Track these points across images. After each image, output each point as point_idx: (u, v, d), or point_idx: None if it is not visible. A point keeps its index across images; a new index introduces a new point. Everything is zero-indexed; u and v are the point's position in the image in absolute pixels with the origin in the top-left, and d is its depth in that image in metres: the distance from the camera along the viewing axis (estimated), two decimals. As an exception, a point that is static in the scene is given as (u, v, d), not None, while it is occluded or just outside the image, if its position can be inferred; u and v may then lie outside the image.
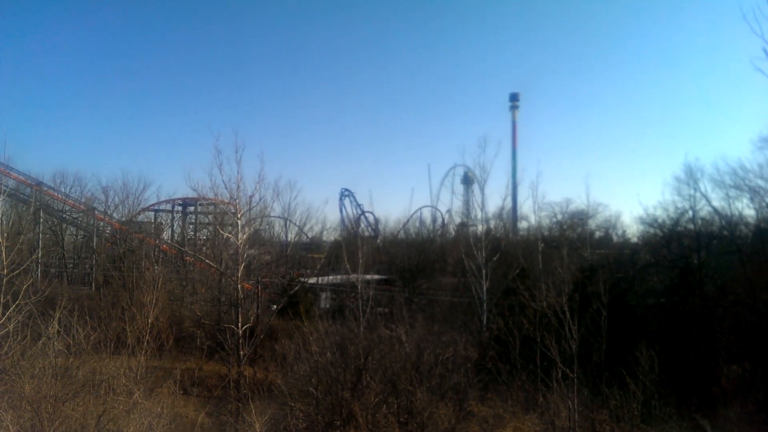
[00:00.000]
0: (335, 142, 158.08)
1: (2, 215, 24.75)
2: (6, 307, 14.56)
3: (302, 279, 37.71)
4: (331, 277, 40.07)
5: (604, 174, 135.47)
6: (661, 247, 30.66)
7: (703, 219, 28.61)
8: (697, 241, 27.09)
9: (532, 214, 41.51)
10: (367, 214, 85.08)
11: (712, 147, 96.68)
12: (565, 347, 14.68)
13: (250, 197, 22.61)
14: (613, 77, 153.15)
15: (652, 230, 33.76)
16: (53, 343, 14.47)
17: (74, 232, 46.70)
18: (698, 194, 27.77)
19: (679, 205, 29.02)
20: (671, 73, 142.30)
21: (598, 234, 50.09)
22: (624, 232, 53.01)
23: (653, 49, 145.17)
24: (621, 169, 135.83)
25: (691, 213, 28.13)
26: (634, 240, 44.85)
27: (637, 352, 16.85)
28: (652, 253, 32.22)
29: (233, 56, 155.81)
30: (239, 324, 20.30)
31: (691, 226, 28.21)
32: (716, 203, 28.00)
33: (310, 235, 54.01)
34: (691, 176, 27.95)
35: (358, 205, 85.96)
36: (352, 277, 29.43)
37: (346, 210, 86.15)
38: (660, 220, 31.30)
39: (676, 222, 29.92)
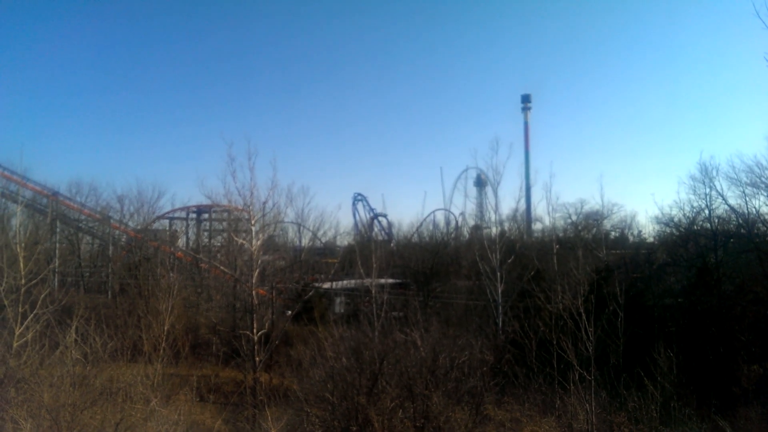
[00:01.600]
0: (347, 147, 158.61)
1: (20, 225, 25.14)
2: (24, 316, 14.76)
3: (316, 284, 37.81)
4: (345, 282, 40.07)
5: (618, 174, 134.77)
6: (678, 247, 30.34)
7: (719, 217, 28.31)
8: (714, 239, 26.78)
9: (546, 216, 41.44)
10: (380, 218, 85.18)
11: (727, 145, 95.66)
12: (581, 349, 14.52)
13: (264, 203, 22.76)
14: (625, 76, 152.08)
15: (668, 230, 33.48)
16: (71, 351, 14.64)
17: (90, 241, 47.24)
18: (714, 193, 27.50)
19: (695, 203, 28.77)
20: (685, 70, 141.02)
21: (613, 234, 49.74)
22: (640, 232, 52.63)
23: (666, 47, 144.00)
24: (636, 169, 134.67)
25: (707, 212, 27.85)
26: (650, 240, 44.49)
27: (655, 353, 16.65)
28: (669, 253, 31.91)
29: (245, 64, 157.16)
30: (254, 330, 20.39)
31: (708, 225, 27.90)
32: (732, 201, 27.72)
33: (323, 240, 54.11)
34: (706, 174, 27.70)
35: (371, 210, 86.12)
36: (366, 281, 29.41)
37: (359, 214, 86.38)
38: (676, 220, 31.05)
39: (692, 221, 29.62)
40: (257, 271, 21.92)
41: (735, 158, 41.40)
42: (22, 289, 15.35)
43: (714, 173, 27.66)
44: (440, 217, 79.52)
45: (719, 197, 27.54)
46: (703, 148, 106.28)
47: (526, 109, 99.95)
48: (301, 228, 48.20)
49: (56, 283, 33.18)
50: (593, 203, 46.68)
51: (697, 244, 28.11)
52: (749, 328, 21.31)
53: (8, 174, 39.57)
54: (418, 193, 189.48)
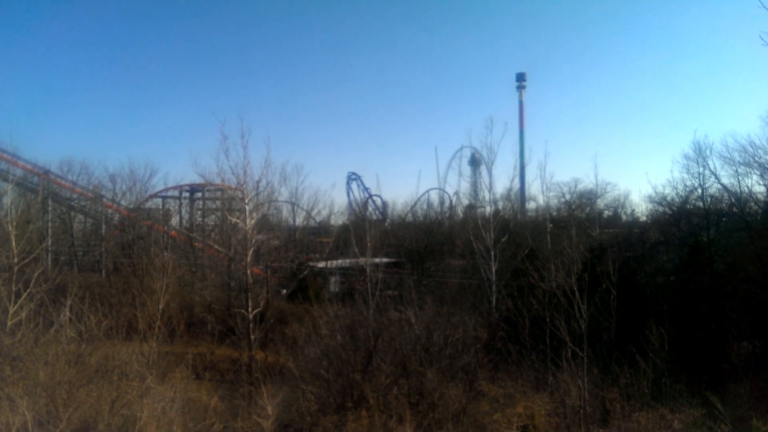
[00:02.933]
0: (342, 126, 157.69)
1: (11, 204, 24.91)
2: (18, 295, 14.74)
3: (311, 263, 37.84)
4: (339, 261, 40.14)
5: (612, 153, 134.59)
6: (671, 226, 30.50)
7: (712, 196, 28.45)
8: (706, 218, 26.91)
9: (540, 195, 41.37)
10: (374, 198, 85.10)
11: (721, 124, 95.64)
12: (574, 327, 14.66)
13: (257, 182, 22.62)
14: (620, 55, 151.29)
15: (661, 209, 33.61)
16: (65, 330, 14.65)
17: (83, 220, 46.96)
18: (707, 172, 27.59)
19: (688, 182, 28.85)
20: (679, 50, 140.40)
21: (606, 213, 50.00)
22: (633, 211, 52.90)
23: (661, 26, 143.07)
24: (629, 148, 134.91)
25: (700, 191, 27.95)
26: (643, 219, 44.72)
27: (647, 331, 16.82)
28: (662, 232, 32.08)
29: (238, 43, 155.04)
30: (249, 308, 20.43)
31: (701, 204, 28.03)
32: (726, 180, 27.84)
33: (317, 219, 54.06)
34: (700, 154, 27.75)
35: (366, 189, 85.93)
36: (361, 260, 29.45)
37: (353, 194, 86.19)
38: (669, 199, 31.14)
39: (685, 200, 29.72)
40: (251, 250, 21.88)
41: (729, 137, 41.23)
42: (15, 268, 15.29)
43: (708, 152, 27.74)
44: (434, 196, 79.50)
45: (712, 176, 27.67)
46: (697, 128, 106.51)
47: (521, 88, 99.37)
48: (296, 207, 48.16)
49: (49, 262, 33.08)
50: (587, 182, 46.77)
51: (689, 222, 28.25)
52: (740, 306, 21.54)
53: (-2, 152, 39.14)
54: (412, 172, 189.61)
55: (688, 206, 29.40)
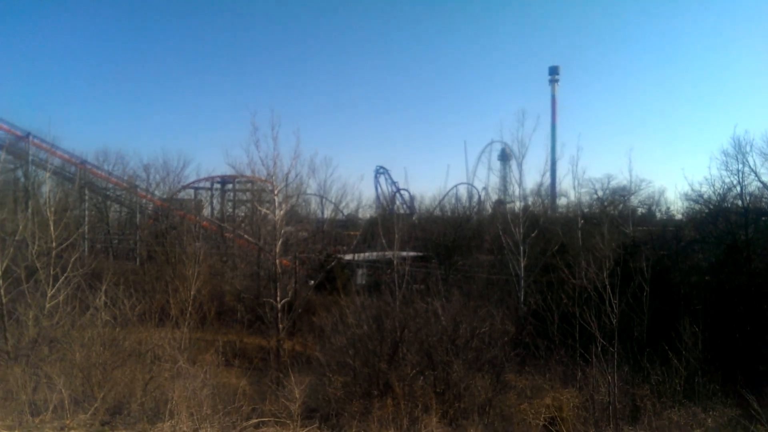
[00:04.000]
0: (371, 119, 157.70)
1: (49, 192, 25.77)
2: (55, 279, 15.19)
3: (339, 255, 38.09)
4: (366, 254, 40.30)
5: (647, 149, 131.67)
6: (707, 224, 29.75)
7: (751, 194, 27.67)
8: (745, 217, 26.16)
9: (571, 191, 40.73)
10: (402, 192, 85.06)
11: (762, 120, 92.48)
12: (605, 322, 14.41)
13: (287, 174, 22.87)
14: (657, 48, 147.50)
15: (697, 206, 32.81)
16: (101, 314, 15.06)
17: (118, 209, 48.23)
18: (747, 169, 26.84)
19: (727, 180, 28.09)
20: (719, 42, 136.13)
21: (640, 211, 48.95)
22: (668, 208, 51.59)
23: (699, 18, 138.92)
24: (665, 144, 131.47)
25: (738, 188, 27.20)
26: (679, 217, 43.65)
27: (681, 329, 16.46)
28: (698, 230, 31.34)
29: (270, 35, 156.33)
30: (278, 298, 20.70)
31: (739, 202, 27.27)
32: (766, 178, 27.03)
33: (345, 212, 54.32)
34: (739, 150, 26.99)
35: (393, 183, 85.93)
36: (388, 253, 29.51)
37: (381, 187, 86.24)
38: (706, 196, 30.37)
39: (723, 198, 28.95)
40: (280, 241, 22.14)
41: (770, 133, 39.98)
42: (53, 253, 15.76)
43: (747, 148, 26.98)
44: (463, 191, 78.96)
45: (752, 173, 26.91)
46: (737, 123, 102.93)
47: (553, 82, 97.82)
48: (324, 199, 48.43)
49: (86, 249, 34.02)
50: (621, 178, 45.66)
51: (727, 221, 27.52)
52: (779, 307, 20.93)
53: (38, 142, 40.38)
54: (440, 166, 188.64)
55: (725, 204, 28.64)
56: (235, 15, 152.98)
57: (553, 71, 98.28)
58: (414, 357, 14.55)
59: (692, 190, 31.94)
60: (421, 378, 13.99)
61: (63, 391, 9.94)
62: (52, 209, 17.23)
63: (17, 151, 39.41)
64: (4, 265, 14.11)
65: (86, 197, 41.95)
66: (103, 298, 15.74)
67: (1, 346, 13.53)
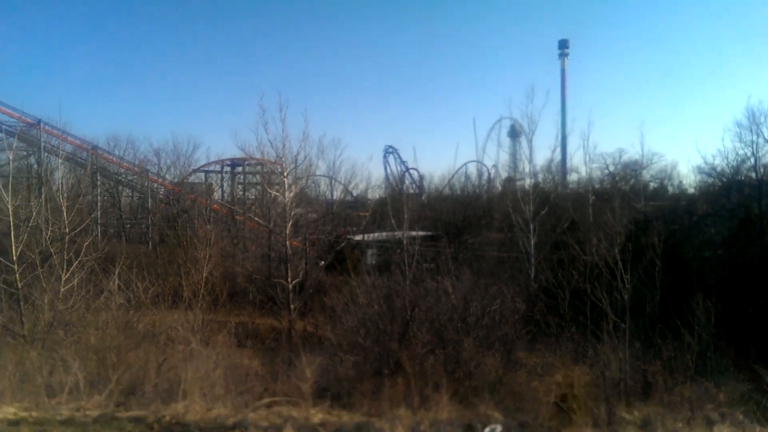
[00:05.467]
0: (379, 98, 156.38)
1: (62, 178, 26.03)
2: (69, 263, 15.39)
3: (348, 236, 38.17)
4: (376, 234, 40.36)
5: (659, 122, 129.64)
6: (720, 197, 29.42)
7: (765, 166, 27.24)
8: (759, 189, 25.80)
9: (582, 166, 40.40)
10: (411, 171, 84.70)
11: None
12: (616, 298, 14.37)
13: (296, 156, 22.89)
14: (668, 19, 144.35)
15: (710, 180, 32.42)
16: (115, 297, 15.29)
17: (130, 194, 48.56)
18: (761, 140, 26.48)
19: (740, 152, 27.73)
20: (732, 11, 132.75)
21: (652, 185, 48.28)
22: (680, 182, 50.87)
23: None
24: (678, 117, 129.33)
25: (753, 160, 26.83)
26: (691, 191, 43.10)
27: (693, 304, 16.35)
28: (710, 204, 30.98)
29: (277, 16, 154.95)
30: (289, 279, 20.85)
31: (753, 174, 26.88)
32: (781, 149, 26.56)
33: (355, 193, 54.28)
34: (753, 121, 26.63)
35: (402, 162, 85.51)
36: (398, 233, 29.54)
37: (390, 167, 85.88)
38: (719, 169, 29.99)
39: (736, 170, 28.57)
40: (290, 222, 22.23)
41: (786, 103, 39.29)
42: (67, 238, 15.94)
43: (762, 119, 26.60)
44: (472, 169, 78.46)
45: (767, 144, 26.44)
46: (751, 93, 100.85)
47: (563, 56, 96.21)
48: (333, 181, 48.38)
49: (99, 234, 34.38)
50: (632, 153, 44.99)
51: (740, 193, 27.20)
52: (793, 280, 20.73)
53: (49, 129, 40.60)
54: (450, 144, 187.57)
55: (739, 177, 28.29)
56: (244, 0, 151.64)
57: (563, 45, 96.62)
58: (424, 336, 14.63)
59: (705, 163, 31.54)
60: (432, 356, 14.08)
61: (78, 373, 10.10)
62: (65, 195, 17.41)
63: (29, 138, 39.68)
64: (19, 251, 14.30)
65: (98, 182, 42.25)
66: (117, 281, 15.95)
67: (18, 330, 13.78)
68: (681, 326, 15.82)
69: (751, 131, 26.51)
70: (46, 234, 15.82)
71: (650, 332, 16.07)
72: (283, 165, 22.47)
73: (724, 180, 29.49)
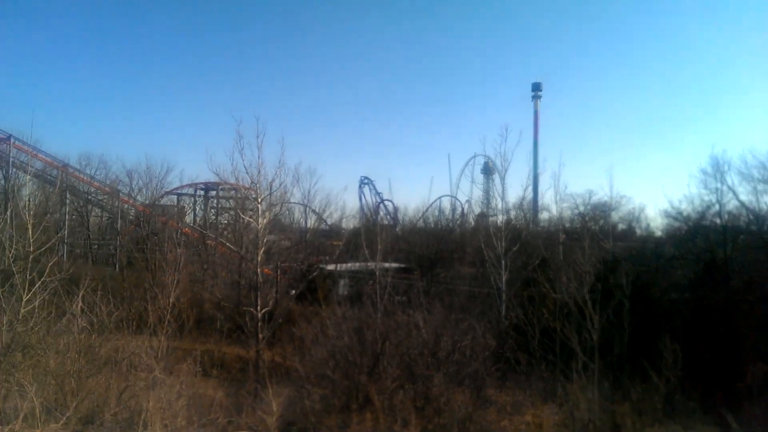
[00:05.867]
0: (355, 130, 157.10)
1: (30, 195, 25.34)
2: (32, 284, 14.86)
3: (321, 265, 37.87)
4: (349, 264, 40.14)
5: (628, 166, 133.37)
6: (686, 241, 30.12)
7: (730, 213, 28.06)
8: (723, 235, 26.53)
9: (553, 205, 40.96)
10: (386, 203, 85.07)
11: (740, 140, 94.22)
12: (586, 338, 14.49)
13: (271, 183, 22.76)
14: (638, 67, 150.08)
15: (677, 223, 33.18)
16: (77, 320, 14.75)
17: (99, 214, 47.53)
18: (725, 188, 27.24)
19: (706, 198, 28.47)
20: (698, 63, 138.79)
21: (621, 227, 49.24)
22: (648, 225, 52.01)
23: (678, 38, 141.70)
24: (646, 162, 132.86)
25: (717, 207, 27.59)
26: (658, 233, 44.08)
27: (661, 345, 16.57)
28: (677, 247, 31.67)
29: (254, 41, 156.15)
30: (258, 307, 20.48)
31: (718, 220, 27.65)
32: (744, 197, 27.44)
33: (329, 222, 54.09)
34: (717, 169, 27.42)
35: (378, 194, 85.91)
36: (371, 264, 29.43)
37: (365, 198, 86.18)
38: (685, 214, 30.74)
39: (702, 215, 29.35)
40: (263, 249, 21.97)
41: (748, 154, 40.66)
42: (30, 257, 15.42)
43: (726, 168, 27.40)
44: (446, 203, 79.13)
45: (730, 192, 27.32)
46: (715, 142, 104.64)
47: (536, 98, 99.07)
48: (307, 209, 48.18)
49: (65, 254, 33.42)
50: (602, 194, 45.93)
51: (706, 238, 27.89)
52: (757, 325, 21.15)
53: (19, 145, 39.74)
54: (425, 178, 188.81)
55: (704, 222, 29.04)
56: (221, 22, 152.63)
57: (536, 87, 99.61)
58: (394, 370, 14.48)
59: (672, 207, 32.30)
60: (401, 391, 13.92)
61: (35, 399, 9.70)
62: (31, 213, 16.89)
63: (-3, 153, 38.76)
64: (-21, 269, 13.79)
65: (67, 201, 41.30)
66: (80, 304, 15.41)
67: (-27, 352, 13.16)
68: (649, 367, 15.99)
69: (716, 179, 27.38)
70: (9, 252, 15.27)
71: (618, 373, 16.19)
72: (258, 191, 22.32)
73: (690, 224, 30.26)
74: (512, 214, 40.29)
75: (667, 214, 33.81)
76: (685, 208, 30.50)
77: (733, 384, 18.57)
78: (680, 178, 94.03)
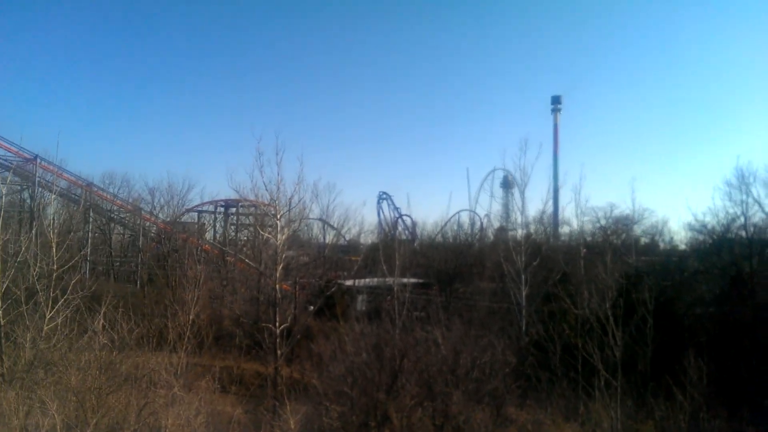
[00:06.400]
0: (374, 145, 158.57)
1: (54, 213, 25.91)
2: (55, 301, 15.10)
3: (339, 281, 37.90)
4: (367, 280, 40.09)
5: (650, 179, 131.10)
6: (711, 255, 29.56)
7: (755, 225, 27.54)
8: (749, 248, 26.01)
9: (574, 219, 40.69)
10: (404, 218, 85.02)
11: (765, 151, 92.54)
12: (608, 354, 14.22)
13: (290, 199, 22.89)
14: (660, 78, 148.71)
15: (701, 237, 32.61)
16: (99, 337, 14.90)
17: (121, 232, 48.28)
18: (750, 200, 26.81)
19: (730, 210, 28.02)
20: (723, 74, 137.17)
21: (643, 240, 48.59)
22: (671, 238, 51.24)
23: (702, 49, 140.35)
24: (669, 174, 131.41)
25: (742, 219, 27.10)
26: (682, 247, 43.39)
27: (685, 362, 16.19)
28: (701, 261, 31.10)
29: (275, 59, 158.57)
30: (277, 323, 20.53)
31: (743, 233, 27.14)
32: (770, 209, 26.93)
33: (347, 237, 54.26)
34: (743, 181, 27.02)
35: (396, 209, 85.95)
36: (389, 280, 29.37)
37: (383, 213, 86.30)
38: (710, 227, 30.23)
39: (726, 228, 28.82)
40: (281, 265, 22.06)
41: (774, 164, 40.12)
42: (54, 275, 15.69)
43: (751, 179, 27.00)
44: (465, 217, 78.87)
45: (756, 204, 26.86)
46: (740, 154, 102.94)
47: (555, 111, 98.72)
48: (326, 225, 48.39)
49: (87, 271, 33.95)
50: (623, 208, 45.49)
51: (731, 252, 27.33)
52: (785, 340, 20.63)
53: (45, 165, 40.68)
54: (443, 192, 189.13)
55: (729, 235, 28.50)
56: (244, 45, 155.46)
57: (556, 100, 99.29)
58: (413, 387, 14.33)
59: (696, 220, 31.81)
60: (420, 409, 13.77)
61: (56, 416, 9.81)
62: (56, 231, 17.23)
63: (24, 172, 39.67)
64: (5, 286, 14.06)
65: (90, 219, 42.05)
66: (102, 321, 15.59)
67: (-3, 368, 13.40)
68: (673, 385, 15.62)
69: (741, 191, 26.96)
70: (34, 270, 15.56)
71: (642, 390, 15.84)
72: (277, 207, 22.49)
73: (715, 237, 29.71)
74: (532, 228, 39.98)
75: (690, 228, 33.30)
76: (710, 221, 30.02)
77: (761, 401, 18.05)
78: (704, 190, 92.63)
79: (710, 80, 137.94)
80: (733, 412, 16.65)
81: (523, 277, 25.34)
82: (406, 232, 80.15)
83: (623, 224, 46.05)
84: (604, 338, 14.81)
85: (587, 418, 14.56)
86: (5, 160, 39.01)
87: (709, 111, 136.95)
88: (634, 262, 32.37)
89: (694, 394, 15.45)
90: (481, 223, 77.05)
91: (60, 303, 15.06)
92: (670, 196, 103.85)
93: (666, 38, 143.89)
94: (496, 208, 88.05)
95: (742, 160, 40.53)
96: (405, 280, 29.46)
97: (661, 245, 50.82)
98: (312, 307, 29.20)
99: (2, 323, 13.87)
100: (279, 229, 22.42)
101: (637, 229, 47.37)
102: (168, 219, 45.76)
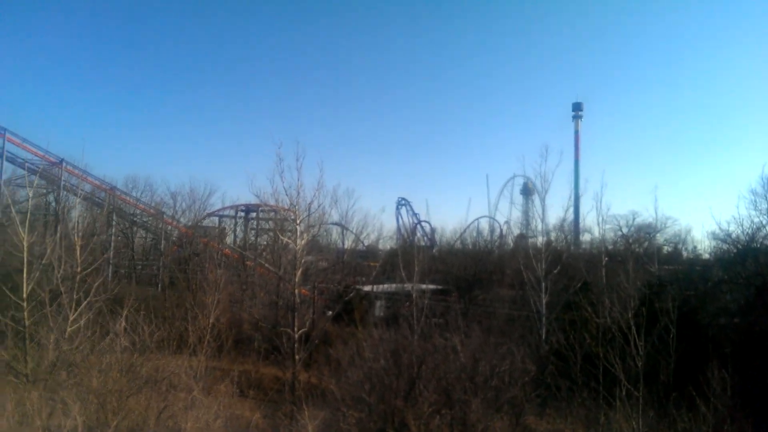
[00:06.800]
0: (393, 151, 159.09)
1: (78, 217, 26.37)
2: (78, 303, 15.37)
3: (358, 286, 37.95)
4: (386, 286, 40.08)
5: (673, 187, 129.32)
6: (735, 264, 28.93)
7: (781, 235, 26.94)
8: (775, 258, 25.44)
9: (595, 227, 40.26)
10: (423, 224, 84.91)
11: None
12: (629, 364, 13.97)
13: (309, 204, 23.03)
14: (683, 85, 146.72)
15: (725, 246, 31.96)
16: (120, 339, 15.13)
17: (144, 235, 49.00)
18: (776, 208, 26.17)
19: (756, 219, 27.46)
20: (746, 80, 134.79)
21: (666, 249, 47.93)
22: (695, 247, 50.41)
23: (726, 55, 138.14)
24: (692, 182, 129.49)
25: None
26: (706, 256, 42.61)
27: (709, 373, 15.84)
28: (725, 270, 30.46)
29: (298, 66, 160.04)
30: (296, 328, 20.61)
31: (768, 242, 26.58)
32: (796, 218, 26.32)
33: (366, 243, 54.35)
34: (768, 189, 26.41)
35: (415, 215, 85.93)
36: (408, 286, 29.31)
37: (402, 219, 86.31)
38: (734, 236, 29.61)
39: (751, 237, 28.22)
40: (300, 270, 22.17)
41: (800, 173, 39.14)
42: (78, 277, 15.98)
43: (776, 188, 26.36)
44: (484, 224, 78.61)
45: (782, 213, 26.21)
46: (766, 162, 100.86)
47: (576, 118, 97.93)
48: (345, 230, 48.55)
49: (110, 274, 34.50)
50: (646, 216, 45.06)
51: (756, 261, 26.72)
52: (813, 353, 20.05)
53: (70, 168, 41.51)
54: (462, 199, 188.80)
55: (754, 244, 27.89)
56: (266, 53, 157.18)
57: (577, 107, 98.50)
58: (431, 394, 14.25)
59: (720, 229, 31.18)
60: (438, 417, 13.67)
61: (77, 417, 9.96)
62: (80, 234, 17.54)
63: (50, 176, 40.53)
64: (30, 288, 14.34)
65: (113, 222, 42.75)
66: (123, 323, 15.82)
67: (21, 369, 13.66)
68: (696, 396, 15.28)
69: (766, 199, 26.38)
70: (58, 272, 15.86)
71: (664, 401, 15.50)
72: (297, 212, 22.62)
73: (740, 247, 29.09)
74: (552, 235, 39.62)
75: (714, 236, 32.70)
76: (734, 229, 29.41)
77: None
78: (728, 198, 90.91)
79: (734, 87, 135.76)
80: (758, 423, 16.24)
81: (543, 284, 25.07)
82: (425, 238, 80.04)
83: (645, 232, 45.51)
84: (626, 348, 14.55)
85: (608, 429, 14.30)
86: (32, 164, 39.90)
87: (733, 118, 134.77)
88: (657, 271, 31.84)
89: (718, 405, 15.09)
90: (501, 230, 76.78)
91: (83, 305, 15.33)
92: (693, 205, 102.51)
93: (689, 44, 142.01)
94: (516, 215, 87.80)
95: (767, 168, 39.63)
96: (424, 286, 29.39)
97: (684, 254, 50.04)
98: (330, 312, 29.27)
99: (27, 324, 14.13)
100: (298, 234, 22.54)
101: (660, 238, 46.75)
102: (189, 223, 46.37)
